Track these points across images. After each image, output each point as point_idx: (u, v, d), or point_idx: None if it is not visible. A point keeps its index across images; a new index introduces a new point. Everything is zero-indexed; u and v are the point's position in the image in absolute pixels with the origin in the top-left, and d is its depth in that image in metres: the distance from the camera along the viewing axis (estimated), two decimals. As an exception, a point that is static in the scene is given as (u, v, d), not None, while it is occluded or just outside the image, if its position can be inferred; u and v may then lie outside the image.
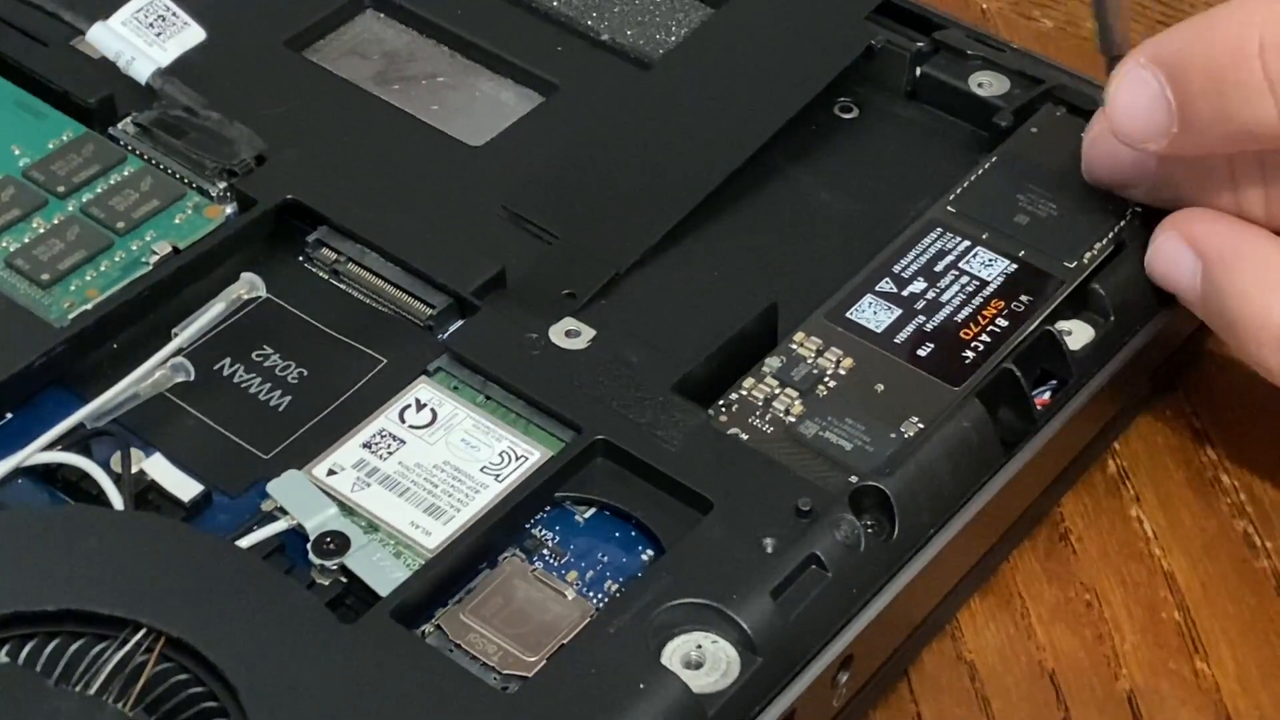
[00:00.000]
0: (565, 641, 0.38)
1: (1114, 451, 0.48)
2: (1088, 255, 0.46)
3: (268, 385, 0.44)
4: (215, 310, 0.43)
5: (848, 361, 0.44)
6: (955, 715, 0.42)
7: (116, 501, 0.40)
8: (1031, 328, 0.44)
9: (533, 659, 0.38)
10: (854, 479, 0.41)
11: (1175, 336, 0.48)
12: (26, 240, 0.45)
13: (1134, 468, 0.48)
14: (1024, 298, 0.45)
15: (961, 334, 0.44)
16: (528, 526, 0.41)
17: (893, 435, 0.42)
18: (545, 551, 0.41)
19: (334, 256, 0.46)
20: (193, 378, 0.42)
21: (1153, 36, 0.43)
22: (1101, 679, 0.43)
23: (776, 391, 0.43)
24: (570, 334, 0.44)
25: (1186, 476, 0.47)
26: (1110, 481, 0.47)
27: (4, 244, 0.45)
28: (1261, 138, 0.42)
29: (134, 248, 0.46)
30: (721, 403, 0.43)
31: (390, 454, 0.42)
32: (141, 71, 0.48)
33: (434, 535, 0.40)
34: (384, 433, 0.42)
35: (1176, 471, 0.48)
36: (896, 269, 0.46)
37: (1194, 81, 0.42)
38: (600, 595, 0.40)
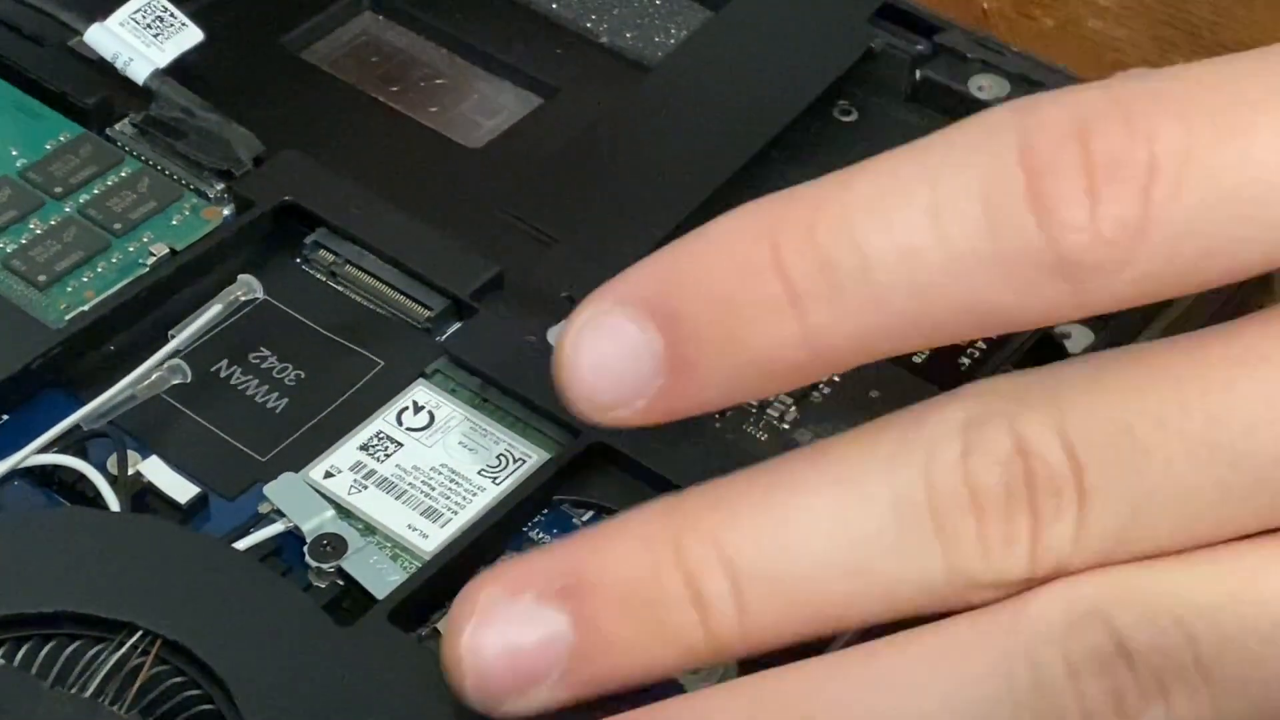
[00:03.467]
0: (562, 645, 0.38)
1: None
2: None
3: (265, 387, 0.43)
4: (212, 312, 0.43)
5: (845, 366, 0.44)
6: None
7: (113, 503, 0.40)
8: (1026, 334, 0.44)
9: (530, 663, 0.38)
10: (852, 483, 0.41)
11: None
12: (23, 241, 0.45)
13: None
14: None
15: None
16: (525, 529, 0.41)
17: (891, 439, 0.42)
18: (543, 555, 0.40)
19: (332, 258, 0.46)
20: (189, 380, 0.42)
21: (612, 281, 0.34)
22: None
23: (771, 398, 0.43)
24: (568, 337, 0.44)
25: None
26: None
27: (1, 245, 0.45)
28: (780, 364, 0.33)
29: (131, 249, 0.46)
30: (719, 407, 0.43)
31: (387, 456, 0.42)
32: (139, 72, 0.48)
33: (431, 538, 0.40)
34: (381, 435, 0.42)
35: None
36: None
37: (695, 310, 0.33)
38: (597, 599, 0.40)
